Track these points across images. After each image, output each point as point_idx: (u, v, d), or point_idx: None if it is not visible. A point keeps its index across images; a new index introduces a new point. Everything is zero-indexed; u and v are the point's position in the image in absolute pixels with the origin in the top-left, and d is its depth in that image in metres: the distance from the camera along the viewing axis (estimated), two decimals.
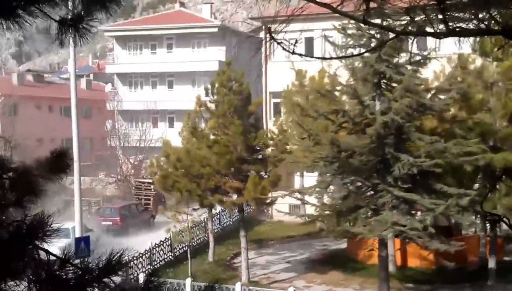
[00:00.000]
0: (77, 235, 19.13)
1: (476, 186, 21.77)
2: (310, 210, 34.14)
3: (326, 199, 23.07)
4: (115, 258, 3.90)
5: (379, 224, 19.65)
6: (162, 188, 26.80)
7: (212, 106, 25.18)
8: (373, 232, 19.83)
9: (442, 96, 20.59)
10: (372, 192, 20.85)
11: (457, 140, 19.80)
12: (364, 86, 20.72)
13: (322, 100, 23.95)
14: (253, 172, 24.45)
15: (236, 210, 27.58)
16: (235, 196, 25.10)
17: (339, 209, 21.04)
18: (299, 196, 24.52)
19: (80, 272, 3.87)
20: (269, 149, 25.30)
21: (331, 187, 22.94)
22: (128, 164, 44.66)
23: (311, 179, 32.44)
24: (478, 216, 22.88)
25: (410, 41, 7.91)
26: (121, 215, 33.01)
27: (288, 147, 26.07)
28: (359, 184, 21.05)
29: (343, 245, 28.95)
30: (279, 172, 25.14)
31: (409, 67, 20.20)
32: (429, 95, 20.60)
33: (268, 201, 25.98)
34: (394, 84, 20.64)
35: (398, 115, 19.20)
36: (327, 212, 21.42)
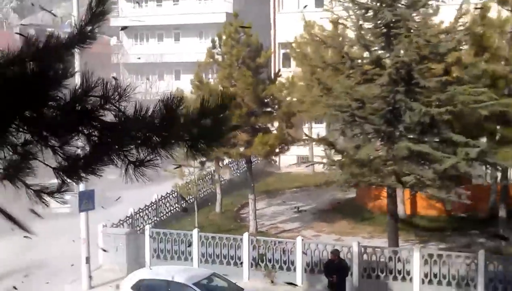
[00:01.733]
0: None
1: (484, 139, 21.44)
2: (318, 160, 33.98)
3: (337, 147, 22.72)
4: None
5: (390, 173, 19.41)
6: None
7: (220, 58, 24.73)
8: (384, 182, 19.63)
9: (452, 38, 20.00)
10: (383, 142, 20.51)
11: (469, 86, 19.32)
12: (373, 34, 20.20)
13: (331, 50, 23.46)
14: (261, 125, 24.16)
15: (243, 162, 27.36)
16: (242, 148, 24.81)
17: (350, 158, 20.73)
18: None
19: None
20: (278, 101, 24.86)
21: (341, 138, 22.62)
22: None
23: (319, 130, 32.11)
24: (488, 165, 22.56)
25: None
26: None
27: (297, 99, 25.67)
28: (370, 133, 20.67)
29: (352, 194, 28.80)
30: (287, 124, 24.79)
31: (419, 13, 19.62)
32: (441, 36, 19.99)
33: (275, 154, 25.66)
34: (403, 32, 20.08)
35: (408, 59, 18.71)
36: (339, 159, 21.11)
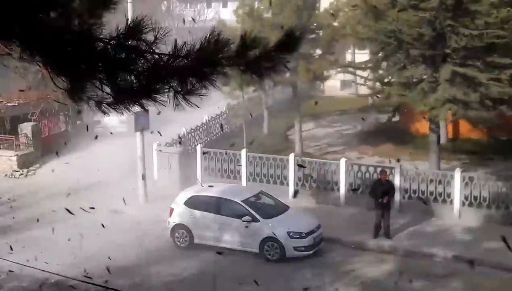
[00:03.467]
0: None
1: None
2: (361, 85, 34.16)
3: (380, 73, 23.01)
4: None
5: (435, 97, 19.71)
6: None
7: None
8: (428, 106, 19.93)
9: None
10: (427, 66, 20.69)
11: None
12: None
13: None
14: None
15: (289, 86, 27.80)
16: (288, 74, 25.20)
17: (395, 82, 21.08)
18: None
19: None
20: (322, 27, 24.98)
21: (384, 64, 22.85)
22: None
23: (362, 56, 32.17)
24: None
25: None
26: None
27: (340, 24, 25.69)
28: (415, 56, 20.82)
29: (395, 118, 29.08)
30: (330, 50, 25.02)
31: None
32: None
33: (320, 79, 26.02)
34: None
35: None
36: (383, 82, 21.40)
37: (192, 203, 17.76)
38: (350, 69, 24.69)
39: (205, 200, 17.79)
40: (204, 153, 21.84)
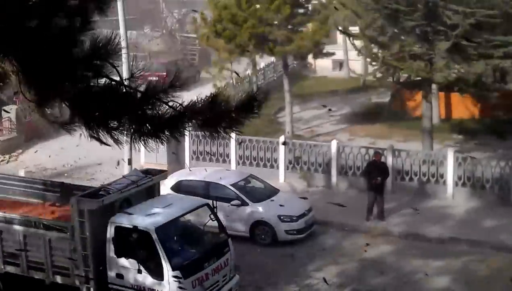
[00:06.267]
0: None
1: None
2: (353, 65, 33.72)
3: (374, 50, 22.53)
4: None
5: (431, 70, 19.42)
6: (206, 43, 26.50)
7: None
8: (422, 76, 19.60)
9: None
10: (421, 40, 20.28)
11: None
12: None
13: None
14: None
15: (280, 66, 27.35)
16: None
17: (389, 57, 20.62)
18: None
19: None
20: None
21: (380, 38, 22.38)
22: (173, 18, 44.36)
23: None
24: None
25: None
26: (168, 71, 33.20)
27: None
28: (409, 28, 20.41)
29: (387, 98, 28.79)
30: (322, 26, 24.53)
31: None
32: None
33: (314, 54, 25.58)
34: None
35: None
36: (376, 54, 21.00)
37: (180, 187, 17.38)
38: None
39: (193, 185, 17.44)
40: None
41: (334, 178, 20.00)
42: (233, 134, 20.88)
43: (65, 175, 21.33)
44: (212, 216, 13.31)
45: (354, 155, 19.84)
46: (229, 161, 21.22)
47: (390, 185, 18.82)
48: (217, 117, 5.25)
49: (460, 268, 14.77)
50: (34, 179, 16.79)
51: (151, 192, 13.86)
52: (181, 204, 13.46)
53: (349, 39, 22.68)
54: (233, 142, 21.03)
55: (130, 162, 20.01)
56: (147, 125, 5.30)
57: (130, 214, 12.43)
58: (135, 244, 11.94)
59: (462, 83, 19.70)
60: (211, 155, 21.45)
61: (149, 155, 21.34)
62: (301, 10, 24.54)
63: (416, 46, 20.12)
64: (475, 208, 18.01)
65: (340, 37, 34.55)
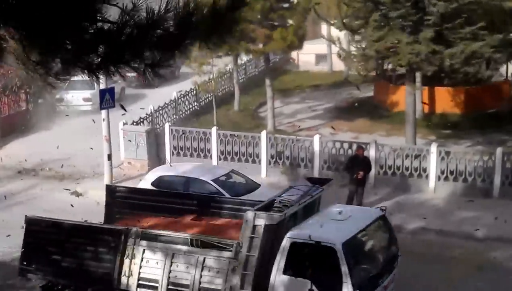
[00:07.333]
0: (102, 86, 19.05)
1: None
2: (336, 59, 33.57)
3: (358, 40, 22.36)
4: None
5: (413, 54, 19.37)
6: None
7: None
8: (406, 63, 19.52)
9: None
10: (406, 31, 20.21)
11: None
12: None
13: None
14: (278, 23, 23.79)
15: (262, 60, 27.08)
16: (260, 45, 24.49)
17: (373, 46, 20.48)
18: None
19: None
20: None
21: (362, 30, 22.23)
22: None
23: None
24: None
25: None
26: None
27: None
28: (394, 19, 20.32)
29: (370, 93, 28.68)
30: (304, 19, 24.35)
31: None
32: None
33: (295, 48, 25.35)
34: None
35: None
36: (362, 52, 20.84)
37: (160, 183, 17.06)
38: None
39: (174, 180, 17.11)
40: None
41: (316, 172, 19.80)
42: (213, 130, 20.78)
43: (47, 169, 20.99)
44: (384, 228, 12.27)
45: (336, 149, 19.66)
46: (211, 156, 20.95)
47: (372, 179, 18.67)
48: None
49: (438, 260, 14.68)
50: (164, 191, 15.48)
51: (313, 203, 12.36)
52: (361, 215, 12.13)
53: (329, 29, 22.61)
54: (214, 137, 20.76)
55: (110, 157, 19.69)
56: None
57: (309, 228, 11.08)
58: (313, 261, 10.51)
59: (448, 71, 19.69)
60: (192, 150, 21.16)
61: (129, 151, 21.11)
62: (285, 5, 24.29)
63: (401, 36, 20.00)
64: (455, 201, 17.88)
65: (324, 30, 34.45)
